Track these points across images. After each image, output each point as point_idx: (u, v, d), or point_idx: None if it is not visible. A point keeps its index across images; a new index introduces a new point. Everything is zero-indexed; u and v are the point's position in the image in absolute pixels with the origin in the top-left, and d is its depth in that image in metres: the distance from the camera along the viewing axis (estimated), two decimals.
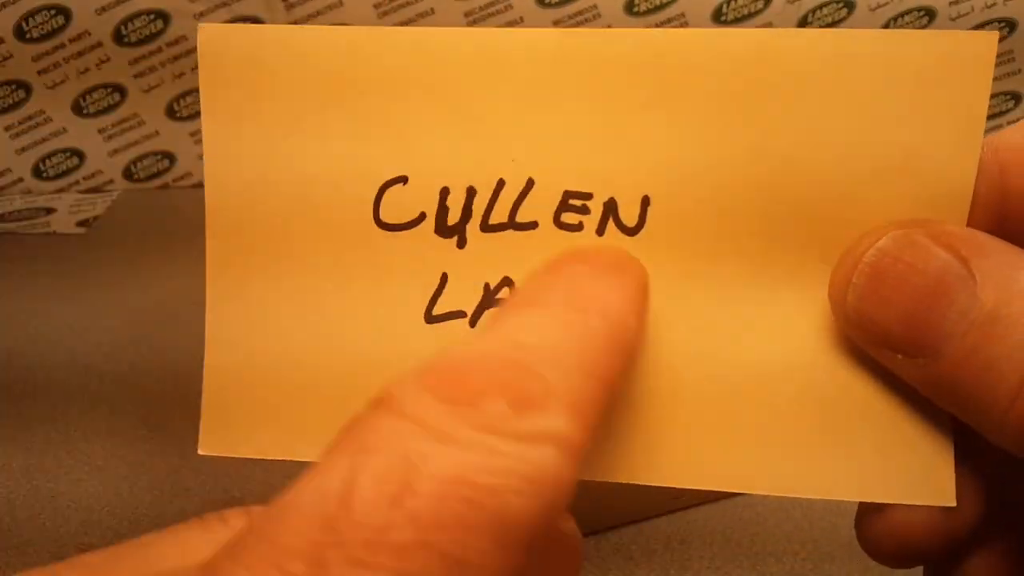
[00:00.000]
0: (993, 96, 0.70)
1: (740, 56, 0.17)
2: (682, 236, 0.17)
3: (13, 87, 0.65)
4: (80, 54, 0.64)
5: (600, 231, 0.18)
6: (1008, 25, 0.67)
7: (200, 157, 0.73)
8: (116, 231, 0.64)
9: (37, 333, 0.53)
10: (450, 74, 0.17)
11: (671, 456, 0.18)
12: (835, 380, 0.17)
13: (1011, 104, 0.71)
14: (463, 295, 0.18)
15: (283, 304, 0.18)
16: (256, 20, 0.63)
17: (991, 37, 0.16)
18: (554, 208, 0.18)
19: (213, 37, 0.17)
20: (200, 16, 0.63)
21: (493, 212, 0.18)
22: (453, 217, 0.18)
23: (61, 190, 0.69)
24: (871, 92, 0.17)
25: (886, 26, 0.66)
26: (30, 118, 0.66)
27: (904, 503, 0.17)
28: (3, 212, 0.66)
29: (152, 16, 0.63)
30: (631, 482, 0.18)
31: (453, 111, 0.17)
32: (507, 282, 0.18)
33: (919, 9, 0.66)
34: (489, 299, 0.18)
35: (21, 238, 0.63)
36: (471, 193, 0.18)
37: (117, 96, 0.66)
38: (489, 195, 0.18)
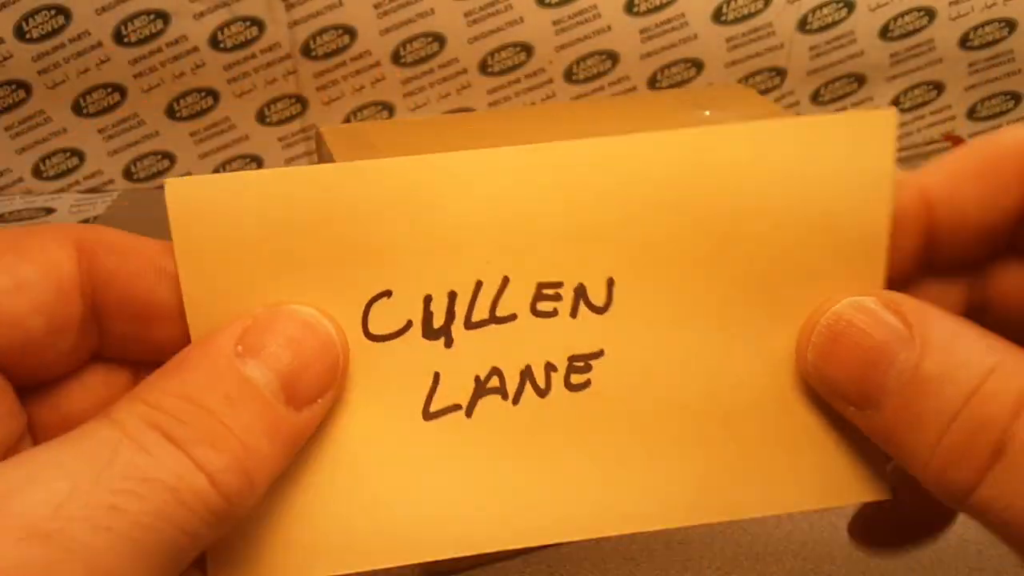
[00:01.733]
0: (993, 96, 0.70)
1: (678, 152, 0.19)
2: (645, 308, 0.20)
3: (13, 87, 0.65)
4: (80, 54, 0.64)
5: (573, 314, 0.19)
6: (1008, 25, 0.67)
7: (200, 157, 0.73)
8: None
9: None
10: (419, 196, 0.19)
11: (657, 495, 0.20)
12: (786, 413, 0.20)
13: (1011, 104, 0.71)
14: (456, 390, 0.19)
15: None
16: (256, 20, 0.63)
17: (890, 113, 0.19)
18: (530, 299, 0.19)
19: (180, 192, 0.18)
20: (200, 16, 0.63)
21: (475, 311, 0.19)
22: (438, 320, 0.19)
23: (61, 190, 0.69)
24: (795, 170, 0.19)
25: (886, 26, 0.66)
26: (30, 118, 0.66)
27: (849, 503, 0.20)
28: (3, 212, 0.66)
29: (152, 16, 0.63)
30: (604, 535, 0.20)
31: (426, 228, 0.19)
32: (496, 371, 0.20)
33: (919, 9, 0.66)
34: (481, 389, 0.20)
35: None
36: (452, 297, 0.19)
37: (117, 96, 0.66)
38: (469, 296, 0.19)
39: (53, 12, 0.62)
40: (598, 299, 0.20)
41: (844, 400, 0.18)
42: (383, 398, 0.19)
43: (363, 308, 0.19)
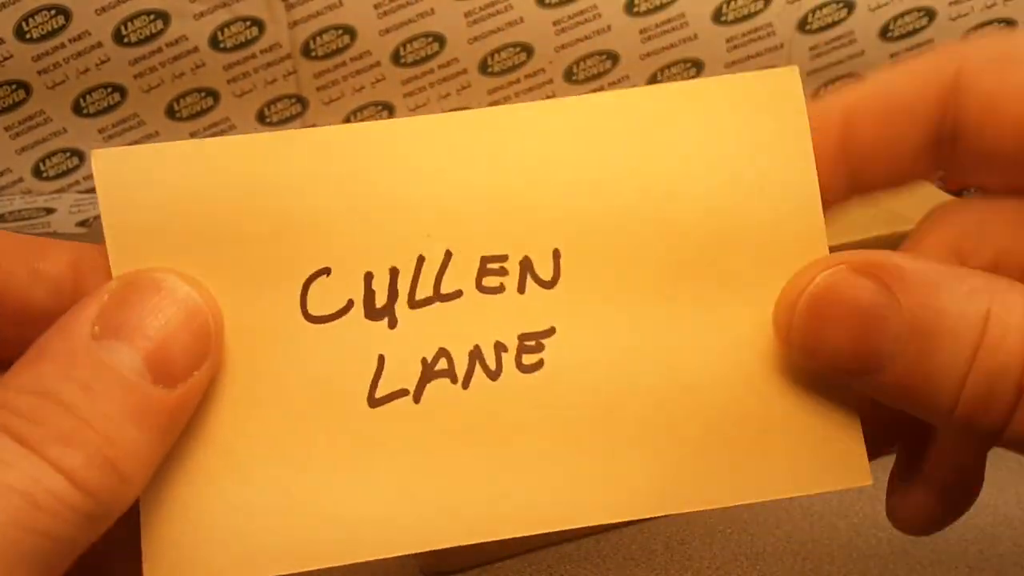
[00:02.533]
0: None
1: (607, 116, 0.19)
2: (594, 282, 0.19)
3: (13, 87, 0.65)
4: (80, 54, 0.64)
5: (521, 289, 0.19)
6: (1008, 25, 0.67)
7: None
8: None
9: None
10: (355, 167, 0.18)
11: (610, 489, 0.19)
12: (749, 391, 0.19)
13: None
14: (403, 373, 0.18)
15: (222, 421, 0.18)
16: (256, 20, 0.63)
17: (792, 71, 0.19)
18: (475, 274, 0.19)
19: (109, 162, 0.17)
20: (200, 16, 0.63)
21: (418, 288, 0.18)
22: (380, 299, 0.18)
23: (61, 190, 0.69)
24: (718, 131, 0.19)
25: (886, 26, 0.66)
26: (30, 118, 0.66)
27: (826, 491, 0.19)
28: (3, 212, 0.66)
29: (152, 16, 0.63)
30: (561, 528, 0.19)
31: (363, 200, 0.18)
32: (443, 353, 0.19)
33: (919, 9, 0.66)
34: (429, 373, 0.18)
35: None
36: (394, 273, 0.18)
37: (117, 96, 0.66)
38: (412, 272, 0.18)
39: (53, 12, 0.62)
40: (545, 273, 0.19)
41: (838, 371, 0.18)
42: (326, 384, 0.18)
43: (301, 287, 0.18)
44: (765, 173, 0.19)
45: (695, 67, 0.67)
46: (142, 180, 0.17)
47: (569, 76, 0.67)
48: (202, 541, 0.18)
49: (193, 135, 0.68)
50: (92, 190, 0.69)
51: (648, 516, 0.19)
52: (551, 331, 0.19)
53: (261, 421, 0.18)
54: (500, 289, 0.19)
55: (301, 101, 0.67)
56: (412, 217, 0.18)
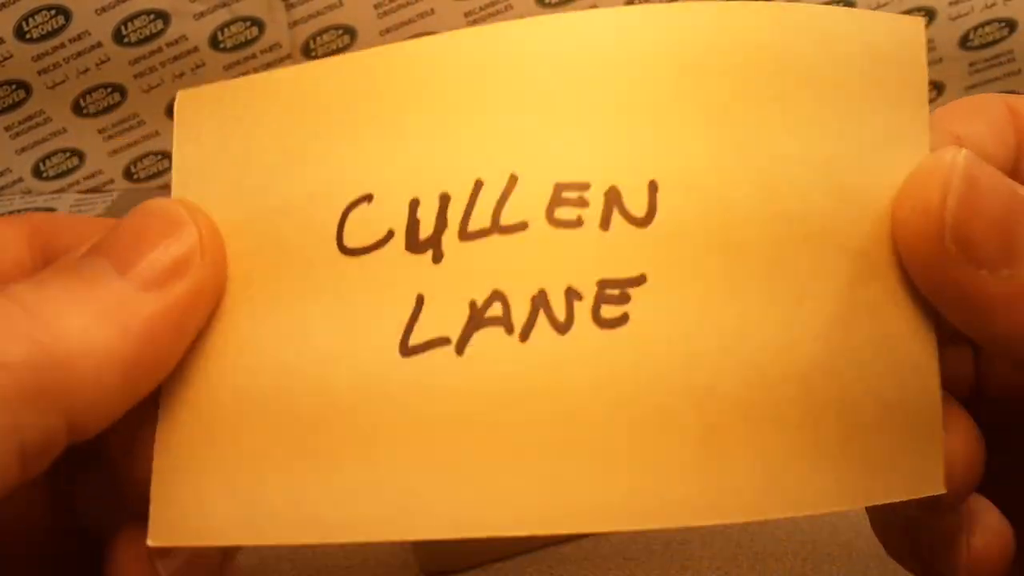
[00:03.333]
0: None
1: (717, 22, 0.15)
2: (698, 223, 0.15)
3: (13, 87, 0.65)
4: (80, 54, 0.64)
5: (604, 225, 0.15)
6: (1008, 25, 0.67)
7: None
8: None
9: None
10: (410, 83, 0.15)
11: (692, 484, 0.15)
12: (831, 385, 0.15)
13: None
14: (444, 318, 0.15)
15: (244, 349, 0.16)
16: (256, 20, 0.63)
17: (918, 21, 0.16)
18: (546, 203, 0.15)
19: (190, 101, 0.17)
20: (200, 16, 0.63)
21: (472, 217, 0.15)
22: (426, 229, 0.16)
23: (61, 190, 0.69)
24: (832, 67, 0.16)
25: None
26: (30, 118, 0.66)
27: (900, 499, 0.16)
28: (3, 212, 0.66)
29: (152, 16, 0.63)
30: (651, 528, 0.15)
31: (418, 118, 0.16)
32: (498, 296, 0.15)
33: (919, 9, 0.66)
34: (478, 319, 0.15)
35: None
36: (445, 200, 0.16)
37: (117, 96, 0.66)
38: (466, 200, 0.15)
39: (53, 12, 0.62)
40: (637, 208, 0.15)
41: (978, 262, 0.16)
42: (352, 326, 0.16)
43: (340, 215, 0.16)
44: (881, 130, 0.16)
45: None
46: (213, 117, 0.16)
47: None
48: (207, 498, 0.15)
49: None
50: (92, 190, 0.69)
51: (740, 521, 0.15)
52: (641, 279, 0.15)
53: (280, 367, 0.16)
54: (577, 223, 0.15)
55: None
56: (472, 135, 0.15)
